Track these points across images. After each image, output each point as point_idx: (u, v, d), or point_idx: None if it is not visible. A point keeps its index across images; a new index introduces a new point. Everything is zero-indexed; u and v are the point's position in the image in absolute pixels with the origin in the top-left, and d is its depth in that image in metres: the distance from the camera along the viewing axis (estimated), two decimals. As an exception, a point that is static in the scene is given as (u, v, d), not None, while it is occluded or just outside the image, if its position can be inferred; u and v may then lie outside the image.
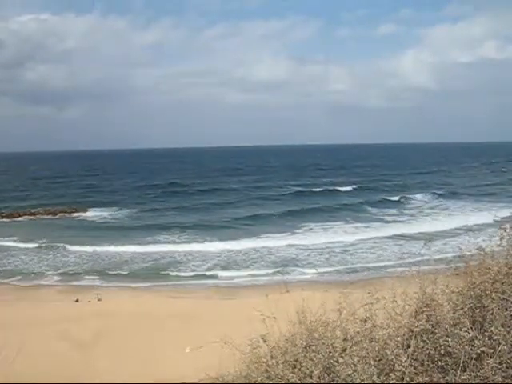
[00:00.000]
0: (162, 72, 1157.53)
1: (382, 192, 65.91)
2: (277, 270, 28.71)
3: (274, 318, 4.40)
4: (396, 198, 58.86)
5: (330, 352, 3.52)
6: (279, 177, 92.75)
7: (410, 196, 60.82)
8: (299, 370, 3.46)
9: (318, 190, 70.30)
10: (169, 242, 37.22)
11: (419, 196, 60.99)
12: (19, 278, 28.67)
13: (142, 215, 50.89)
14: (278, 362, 3.61)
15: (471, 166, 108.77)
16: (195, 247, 35.16)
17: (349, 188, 71.10)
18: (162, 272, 29.53)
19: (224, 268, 30.13)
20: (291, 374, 3.43)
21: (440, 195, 61.51)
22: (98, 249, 35.00)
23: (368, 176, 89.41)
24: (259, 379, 3.64)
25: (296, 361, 3.57)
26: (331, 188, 71.36)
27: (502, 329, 3.33)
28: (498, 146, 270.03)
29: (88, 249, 34.98)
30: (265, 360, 3.71)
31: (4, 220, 48.67)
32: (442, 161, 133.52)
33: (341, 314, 3.91)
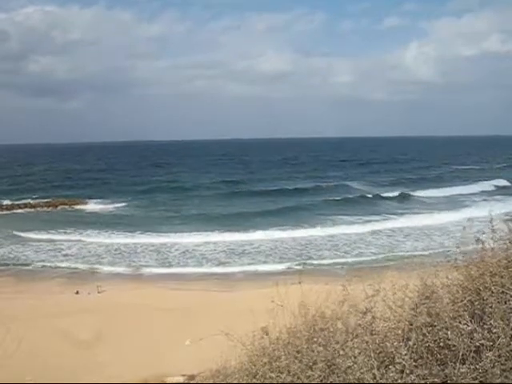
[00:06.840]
0: (166, 64, 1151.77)
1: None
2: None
3: (281, 306, 4.42)
4: None
5: (331, 344, 3.55)
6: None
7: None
8: (300, 361, 3.50)
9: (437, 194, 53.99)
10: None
11: None
12: (18, 269, 28.68)
13: (152, 209, 49.63)
14: (280, 354, 3.63)
15: None
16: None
17: (490, 186, 56.81)
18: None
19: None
20: (293, 366, 3.46)
21: None
22: (99, 240, 35.18)
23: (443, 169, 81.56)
24: (261, 371, 3.67)
25: (298, 352, 3.60)
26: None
27: (501, 322, 3.34)
28: (507, 139, 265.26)
29: (88, 240, 35.13)
30: (267, 352, 3.74)
31: (4, 212, 48.86)
32: (485, 154, 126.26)
33: (342, 305, 3.94)
